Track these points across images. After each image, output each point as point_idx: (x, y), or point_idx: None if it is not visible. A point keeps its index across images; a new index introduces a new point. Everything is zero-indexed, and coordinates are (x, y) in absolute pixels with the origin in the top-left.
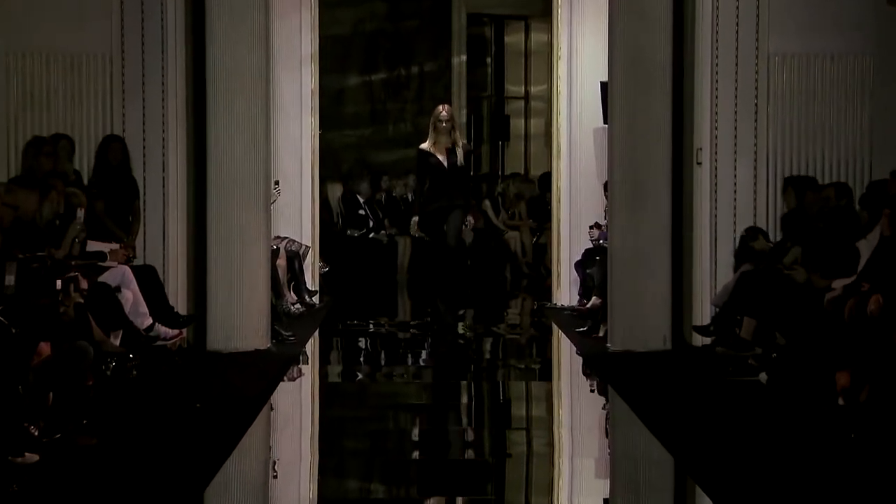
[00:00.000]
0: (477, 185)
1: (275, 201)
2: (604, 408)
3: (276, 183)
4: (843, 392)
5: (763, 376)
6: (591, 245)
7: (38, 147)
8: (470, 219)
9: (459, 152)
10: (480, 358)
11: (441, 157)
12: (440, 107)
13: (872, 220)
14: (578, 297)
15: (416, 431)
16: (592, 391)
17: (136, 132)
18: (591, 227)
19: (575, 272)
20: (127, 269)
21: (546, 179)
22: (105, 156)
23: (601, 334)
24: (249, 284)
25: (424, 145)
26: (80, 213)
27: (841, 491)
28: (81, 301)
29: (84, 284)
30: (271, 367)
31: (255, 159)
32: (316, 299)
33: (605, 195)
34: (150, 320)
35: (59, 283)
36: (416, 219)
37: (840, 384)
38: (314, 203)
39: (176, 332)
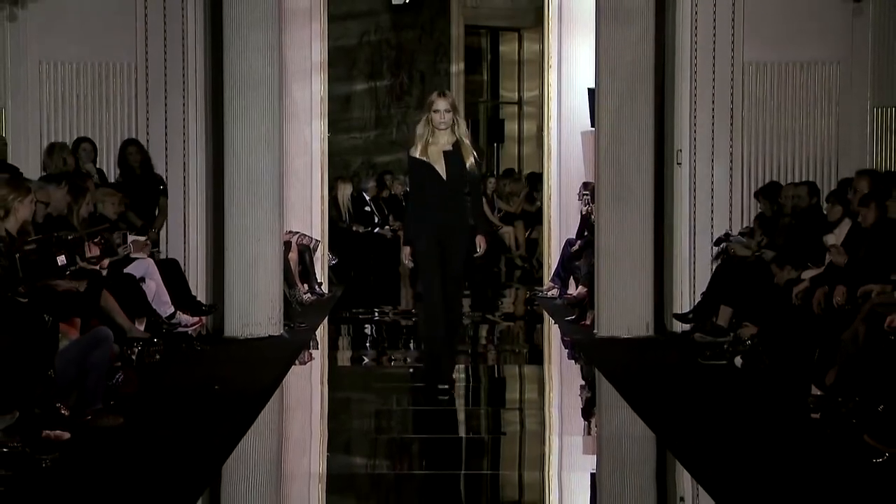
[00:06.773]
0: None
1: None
2: (591, 389)
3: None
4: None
5: (738, 360)
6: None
7: (58, 150)
8: (481, 243)
9: (470, 156)
10: (476, 344)
11: (438, 167)
12: (435, 97)
13: (840, 216)
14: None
15: (417, 411)
16: (580, 374)
17: (159, 136)
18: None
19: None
20: (151, 261)
21: (533, 178)
22: (125, 157)
23: (588, 322)
24: (263, 276)
25: (415, 151)
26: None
27: (806, 464)
28: (96, 268)
29: (94, 251)
30: (284, 352)
31: (269, 160)
32: (325, 289)
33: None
34: (171, 308)
35: (63, 258)
36: (407, 249)
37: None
38: (323, 201)
39: (196, 319)
